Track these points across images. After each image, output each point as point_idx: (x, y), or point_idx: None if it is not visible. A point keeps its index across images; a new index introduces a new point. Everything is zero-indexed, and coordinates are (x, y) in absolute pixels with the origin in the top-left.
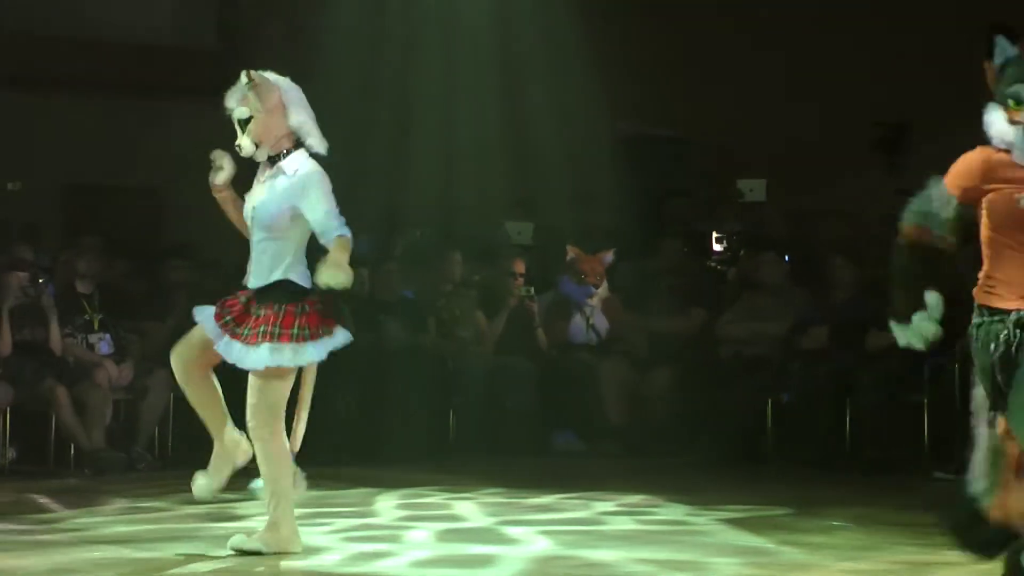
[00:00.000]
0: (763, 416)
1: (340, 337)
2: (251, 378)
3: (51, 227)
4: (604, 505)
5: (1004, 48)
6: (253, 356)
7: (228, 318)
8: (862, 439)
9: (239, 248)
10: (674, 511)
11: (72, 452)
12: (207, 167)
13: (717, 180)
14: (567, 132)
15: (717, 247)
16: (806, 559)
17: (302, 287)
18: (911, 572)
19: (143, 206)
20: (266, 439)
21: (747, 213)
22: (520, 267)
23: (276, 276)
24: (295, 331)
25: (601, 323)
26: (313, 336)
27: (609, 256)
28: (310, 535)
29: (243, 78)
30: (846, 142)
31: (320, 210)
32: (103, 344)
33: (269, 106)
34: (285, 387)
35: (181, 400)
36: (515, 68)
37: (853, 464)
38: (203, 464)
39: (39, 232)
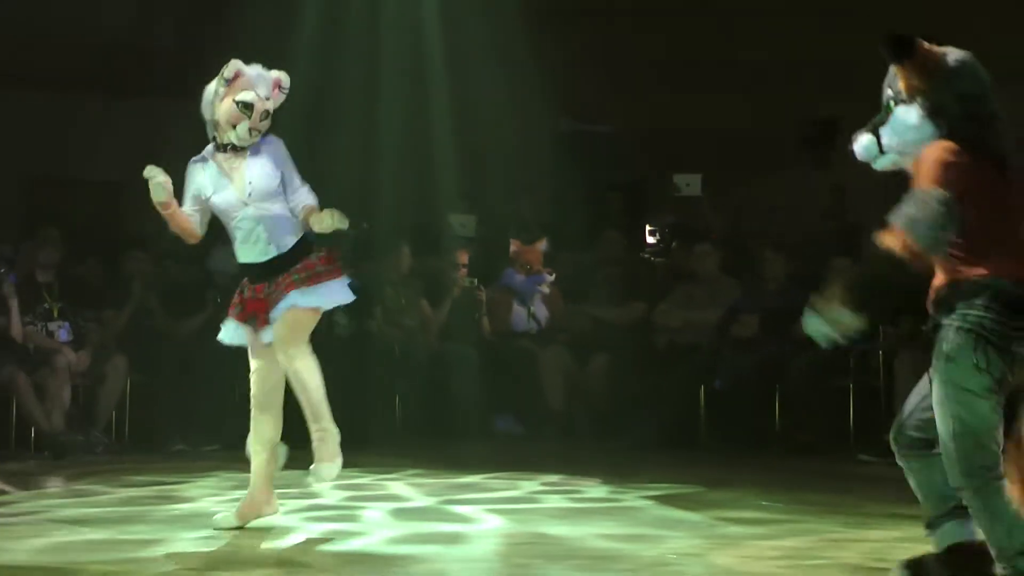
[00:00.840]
0: (696, 401)
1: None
2: (285, 317)
3: (13, 219)
4: (529, 484)
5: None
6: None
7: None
8: (790, 423)
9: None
10: (598, 490)
11: (32, 435)
12: (165, 162)
13: (654, 175)
14: (510, 129)
15: (650, 239)
16: (741, 533)
17: (310, 242)
18: (834, 548)
19: (102, 199)
20: (300, 356)
21: (683, 207)
22: (464, 258)
23: (295, 237)
24: (326, 268)
25: (542, 312)
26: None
27: (543, 244)
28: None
29: (286, 80)
30: (779, 139)
31: (298, 177)
32: (62, 331)
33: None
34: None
35: (137, 386)
36: (461, 66)
37: (782, 447)
38: (157, 447)
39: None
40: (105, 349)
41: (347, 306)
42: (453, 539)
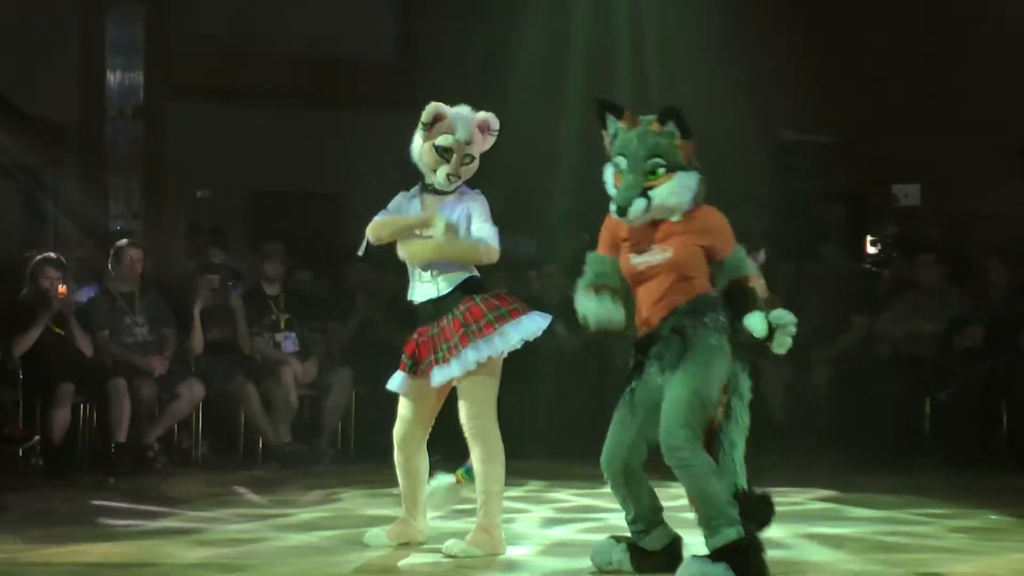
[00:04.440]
0: (920, 413)
1: (537, 317)
2: (461, 384)
3: (238, 232)
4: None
5: (613, 122)
6: (457, 364)
7: (418, 361)
8: (1019, 436)
9: None
10: (821, 503)
11: (260, 445)
12: (384, 173)
13: (874, 186)
14: (728, 139)
15: (871, 249)
16: (969, 546)
17: (481, 280)
18: None
19: (325, 211)
20: (486, 437)
21: (903, 217)
22: None
23: (462, 278)
24: (489, 317)
25: None
26: (512, 314)
27: (760, 255)
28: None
29: (495, 122)
30: (997, 149)
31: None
32: (288, 343)
33: (479, 154)
34: (495, 380)
35: (363, 397)
36: (679, 78)
37: (1009, 461)
38: (384, 458)
39: (227, 236)
40: (330, 360)
41: (566, 318)
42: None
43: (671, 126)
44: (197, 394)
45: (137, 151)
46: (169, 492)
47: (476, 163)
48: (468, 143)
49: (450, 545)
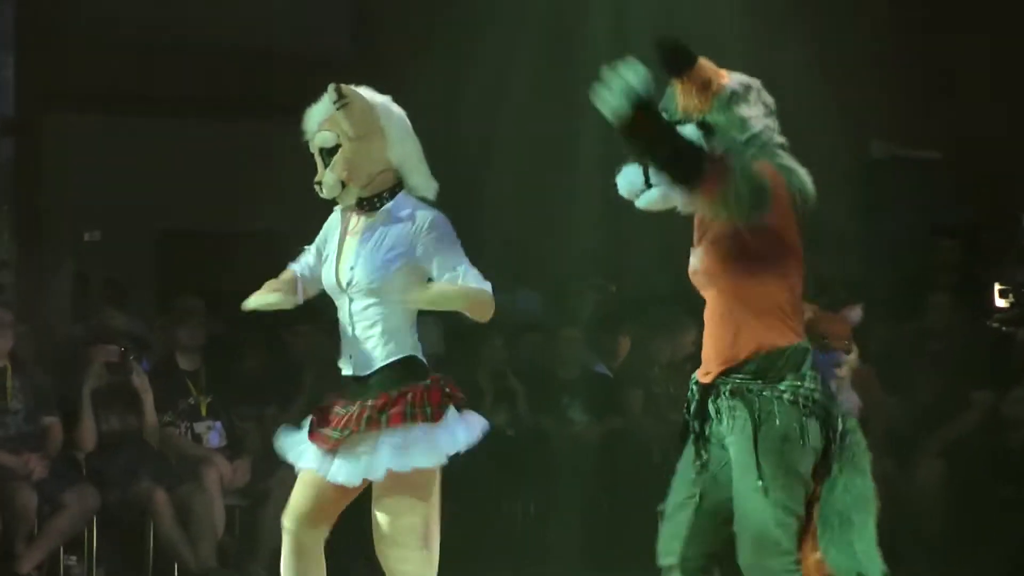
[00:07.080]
0: None
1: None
2: (386, 492)
3: (145, 286)
4: None
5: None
6: (383, 461)
7: (334, 433)
8: None
9: None
10: None
11: (175, 573)
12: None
13: (997, 216)
14: (804, 157)
15: (1000, 302)
16: None
17: (424, 364)
18: None
19: (259, 255)
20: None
21: None
22: None
23: (394, 355)
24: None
25: (851, 401)
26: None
27: (856, 313)
28: None
29: (330, 94)
30: None
31: (461, 260)
32: (213, 434)
33: (362, 132)
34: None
35: None
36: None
37: None
38: None
39: (127, 292)
40: (268, 458)
41: (587, 398)
42: None
43: None
44: (90, 504)
45: (7, 177)
46: None
47: (361, 149)
48: (317, 133)
49: None
